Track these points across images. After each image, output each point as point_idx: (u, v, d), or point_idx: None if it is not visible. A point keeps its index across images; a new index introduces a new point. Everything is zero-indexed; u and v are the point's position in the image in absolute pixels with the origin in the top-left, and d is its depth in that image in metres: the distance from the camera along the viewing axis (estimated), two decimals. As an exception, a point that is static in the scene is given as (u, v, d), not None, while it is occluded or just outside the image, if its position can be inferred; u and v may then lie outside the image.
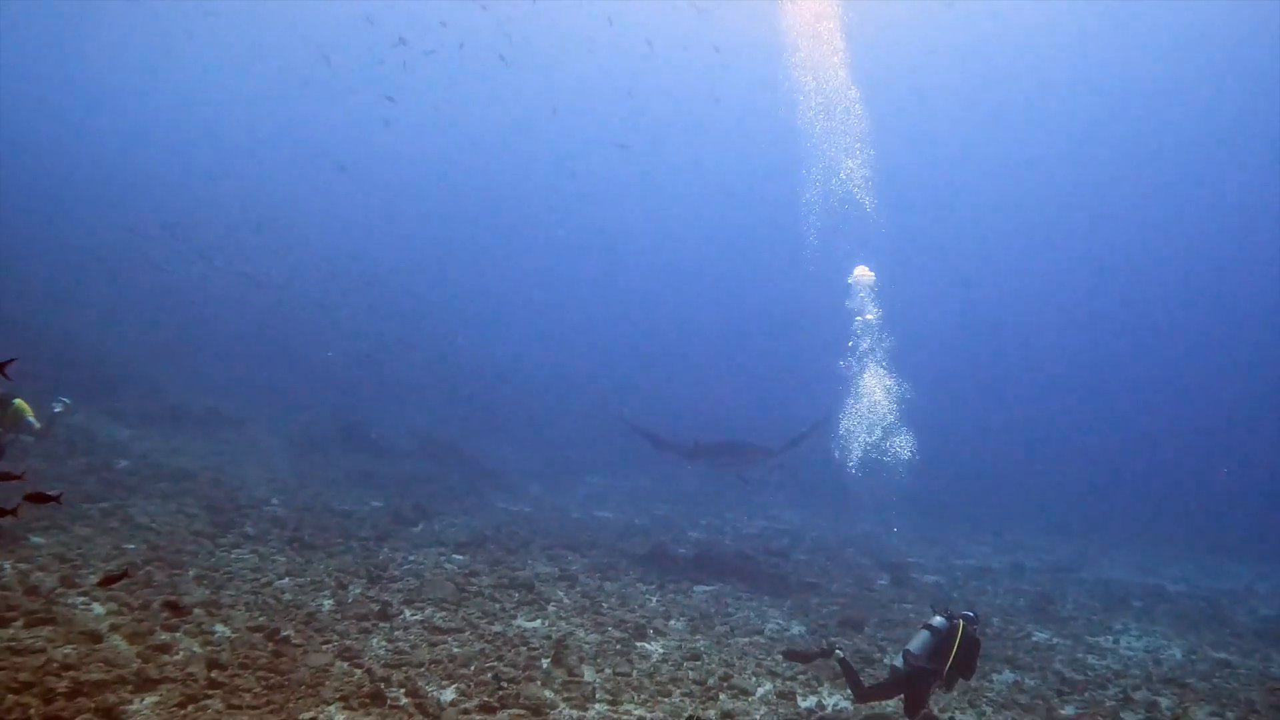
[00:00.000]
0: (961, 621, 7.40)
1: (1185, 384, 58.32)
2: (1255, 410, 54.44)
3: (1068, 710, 8.57)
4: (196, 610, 7.58)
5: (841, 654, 7.88)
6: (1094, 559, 22.13)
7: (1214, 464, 42.35)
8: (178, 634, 6.99)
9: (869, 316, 14.89)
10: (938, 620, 7.51)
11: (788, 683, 8.31)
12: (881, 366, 14.36)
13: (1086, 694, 9.24)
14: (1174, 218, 59.52)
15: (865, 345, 14.62)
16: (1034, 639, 11.82)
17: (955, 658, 7.23)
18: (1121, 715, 8.63)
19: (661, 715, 6.88)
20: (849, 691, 8.18)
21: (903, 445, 14.25)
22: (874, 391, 14.15)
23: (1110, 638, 12.70)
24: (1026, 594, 15.55)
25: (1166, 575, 20.75)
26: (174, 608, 7.40)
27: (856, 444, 14.11)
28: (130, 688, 5.73)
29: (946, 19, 46.79)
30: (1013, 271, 66.04)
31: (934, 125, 58.36)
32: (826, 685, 8.42)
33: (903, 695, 7.40)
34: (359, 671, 6.78)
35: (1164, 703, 9.31)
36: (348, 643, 7.45)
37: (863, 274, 15.61)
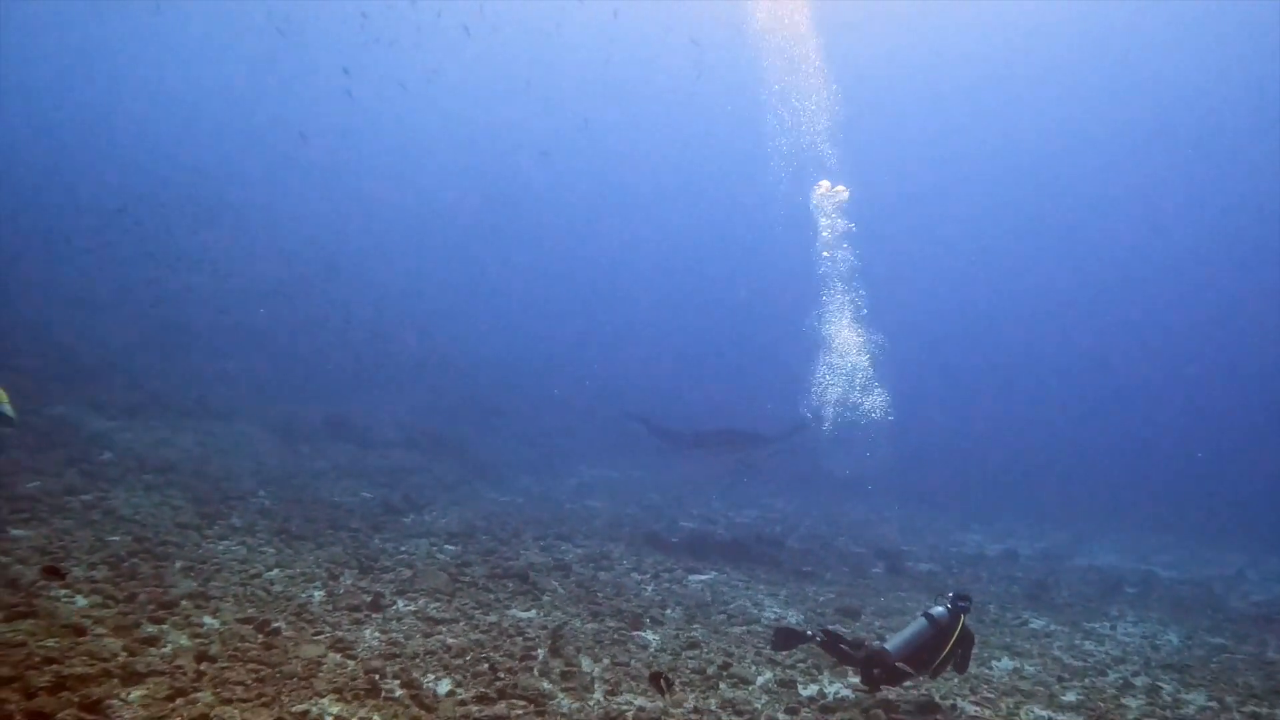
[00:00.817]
0: (962, 614, 7.33)
1: (1176, 372, 58.80)
2: (1245, 398, 55.05)
3: (1070, 696, 8.51)
4: (184, 602, 7.39)
5: (822, 637, 7.82)
6: (1085, 546, 22.24)
7: (1205, 450, 42.74)
8: (165, 626, 6.79)
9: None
10: (938, 610, 7.43)
11: (788, 671, 8.21)
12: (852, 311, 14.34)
13: (1087, 680, 9.20)
14: (1156, 203, 59.95)
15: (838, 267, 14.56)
16: (1031, 626, 11.80)
17: (950, 651, 7.17)
18: (1123, 701, 8.58)
19: (662, 705, 6.75)
20: (851, 679, 8.11)
21: (876, 405, 14.26)
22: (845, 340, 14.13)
23: (1107, 624, 12.71)
24: (1021, 581, 15.57)
25: (1158, 562, 20.87)
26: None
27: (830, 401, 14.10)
28: (116, 681, 5.54)
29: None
30: (997, 259, 66.26)
31: (941, 117, 58.61)
32: (827, 673, 8.32)
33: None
34: (352, 663, 6.61)
35: (1165, 688, 9.28)
36: (340, 634, 7.28)
37: (828, 190, 15.51)
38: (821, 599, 11.88)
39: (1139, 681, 9.44)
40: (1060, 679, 9.09)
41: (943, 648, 7.19)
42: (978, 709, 7.76)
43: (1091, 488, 34.03)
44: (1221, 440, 48.25)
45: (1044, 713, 7.87)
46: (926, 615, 7.45)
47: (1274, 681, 10.00)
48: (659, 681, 6.56)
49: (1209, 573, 19.99)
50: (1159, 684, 9.43)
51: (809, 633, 8.05)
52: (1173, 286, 62.25)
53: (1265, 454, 45.21)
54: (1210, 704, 8.85)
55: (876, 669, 7.28)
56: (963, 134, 60.68)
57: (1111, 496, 32.21)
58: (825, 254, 15.47)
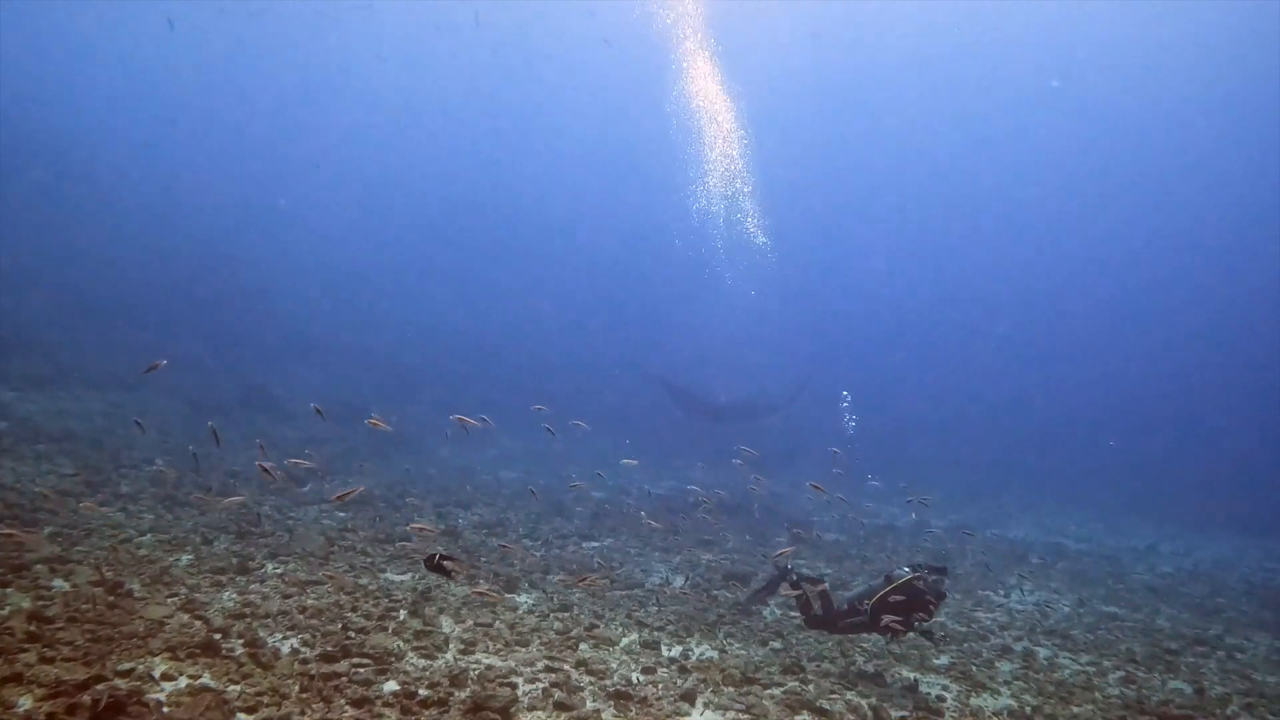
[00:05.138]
0: (909, 573, 7.57)
1: (1101, 358, 60.97)
2: (1169, 383, 57.32)
3: (943, 660, 8.86)
4: (38, 566, 7.34)
5: (796, 577, 8.13)
6: (1002, 519, 22.99)
7: (1128, 427, 44.49)
8: (8, 590, 6.75)
9: None
10: (900, 571, 7.68)
11: (655, 633, 8.42)
12: None
13: (965, 645, 9.55)
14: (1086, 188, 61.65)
15: None
16: (920, 592, 12.20)
17: (881, 601, 7.42)
18: (997, 665, 8.95)
19: (513, 664, 6.91)
20: (719, 642, 8.40)
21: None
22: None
23: (1002, 592, 13.21)
24: (926, 550, 16.08)
25: (1071, 535, 21.71)
26: None
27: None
28: (-65, 641, 5.52)
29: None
30: (929, 251, 67.90)
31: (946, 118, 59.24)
32: (697, 635, 8.56)
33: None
34: (199, 623, 6.65)
35: (1042, 653, 9.72)
36: (196, 595, 7.30)
37: None
38: (714, 565, 12.17)
39: (1019, 647, 9.88)
40: (938, 643, 9.43)
41: (884, 600, 7.44)
42: (842, 669, 8.05)
43: (1017, 465, 35.22)
44: (1147, 421, 50.30)
45: (911, 674, 8.20)
46: (887, 576, 7.73)
47: (1156, 648, 10.54)
48: (436, 565, 6.62)
49: (1120, 545, 20.88)
50: (1038, 649, 9.89)
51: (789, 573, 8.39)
52: (1097, 285, 64.41)
53: (1189, 436, 47.30)
54: (1086, 668, 9.30)
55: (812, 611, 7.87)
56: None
57: (1036, 473, 33.39)
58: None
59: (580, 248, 65.01)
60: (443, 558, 6.33)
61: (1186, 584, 16.30)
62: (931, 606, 7.45)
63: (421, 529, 7.78)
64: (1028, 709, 7.48)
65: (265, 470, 6.94)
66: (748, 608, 9.34)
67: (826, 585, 8.35)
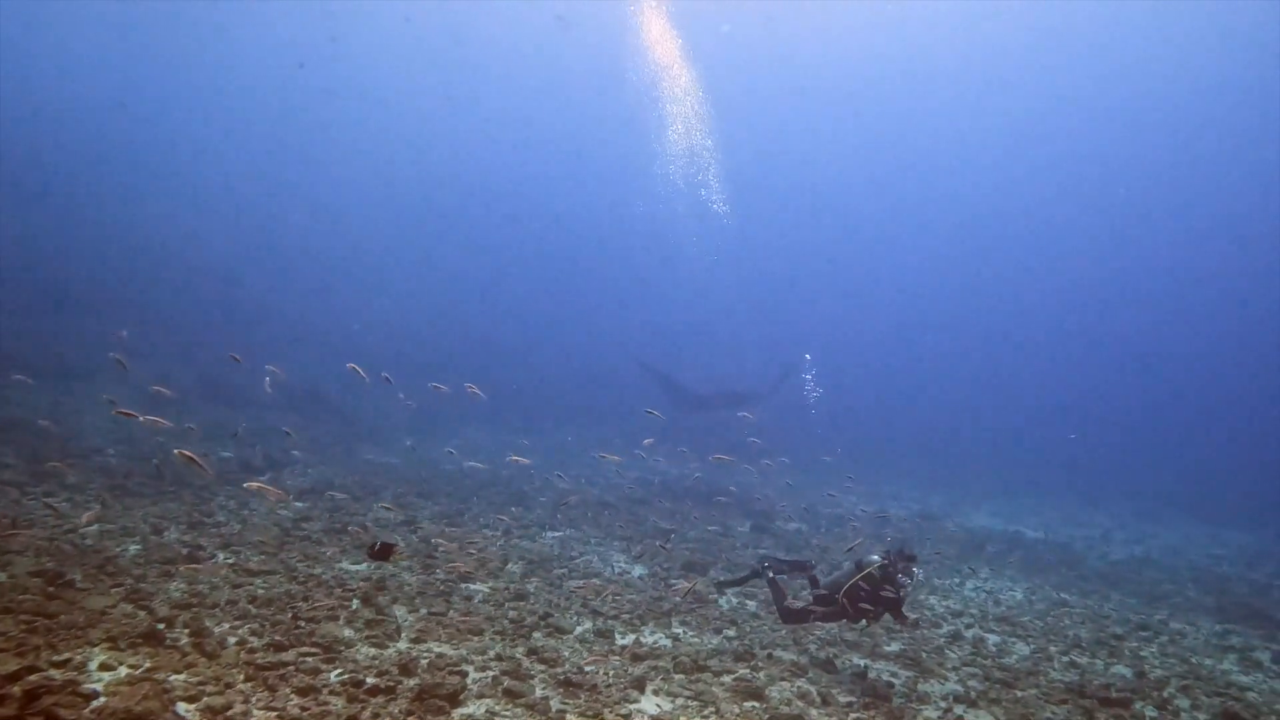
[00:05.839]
0: (889, 569, 7.45)
1: (1062, 349, 62.24)
2: (1126, 374, 58.64)
3: (893, 647, 8.98)
4: (-25, 557, 7.17)
5: (771, 573, 8.15)
6: (963, 509, 23.32)
7: (1087, 419, 45.49)
8: (-57, 581, 6.60)
9: None
10: (870, 558, 7.64)
11: (609, 621, 8.44)
12: None
13: (917, 632, 9.68)
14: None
15: None
16: (872, 580, 12.35)
17: (850, 589, 7.37)
18: (947, 651, 9.10)
19: (464, 652, 6.90)
20: (673, 630, 8.44)
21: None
22: None
23: (957, 580, 13.43)
24: (884, 540, 16.26)
25: (1029, 524, 22.08)
26: None
27: None
28: None
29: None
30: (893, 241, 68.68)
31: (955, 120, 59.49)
32: (650, 624, 8.59)
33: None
34: (143, 613, 6.55)
35: (991, 639, 9.90)
36: (142, 585, 7.18)
37: None
38: (675, 554, 12.21)
39: (970, 634, 10.05)
40: (889, 630, 9.56)
41: (852, 592, 7.38)
42: (794, 657, 8.14)
43: (981, 456, 35.80)
44: (1105, 413, 51.40)
45: (861, 661, 8.30)
46: (857, 563, 7.65)
47: (1102, 633, 10.79)
48: (379, 552, 6.61)
49: (1075, 534, 21.31)
50: (988, 635, 10.07)
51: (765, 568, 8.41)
52: (1057, 279, 65.68)
53: (1144, 427, 48.46)
54: (1034, 653, 9.49)
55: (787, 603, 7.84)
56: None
57: (999, 464, 33.97)
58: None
59: (550, 233, 64.90)
60: (384, 545, 6.29)
61: (1136, 571, 16.71)
62: (902, 593, 7.46)
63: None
64: (973, 694, 7.63)
65: (192, 460, 6.81)
66: (722, 590, 9.25)
67: (816, 570, 8.38)
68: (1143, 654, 10.04)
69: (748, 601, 10.08)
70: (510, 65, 57.43)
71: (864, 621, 7.47)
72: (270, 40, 54.31)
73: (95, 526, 8.78)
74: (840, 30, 51.94)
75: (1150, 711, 7.82)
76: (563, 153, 65.96)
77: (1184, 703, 8.23)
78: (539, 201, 66.85)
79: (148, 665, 5.61)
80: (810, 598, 7.86)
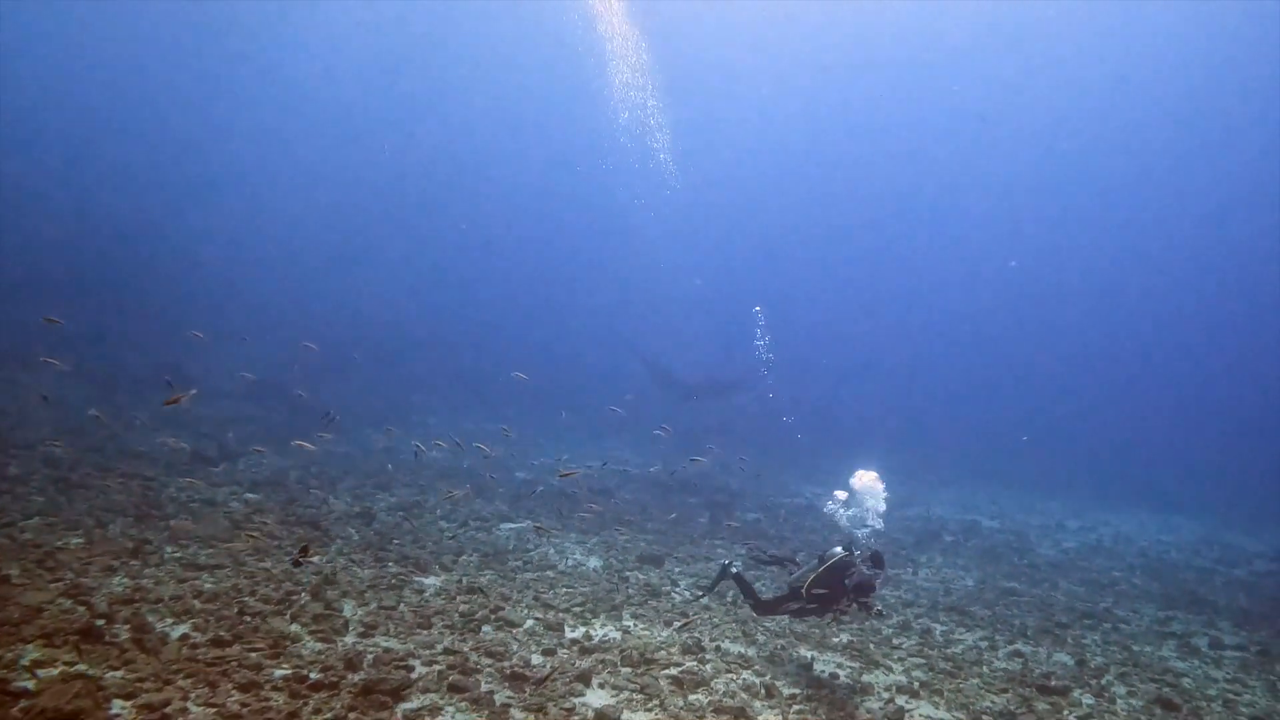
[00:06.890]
0: (850, 561, 7.53)
1: (1017, 347, 63.50)
2: (1086, 364, 59.93)
3: (842, 639, 9.11)
4: (-93, 552, 7.02)
5: (736, 570, 8.20)
6: (923, 498, 23.60)
7: (1048, 409, 46.43)
8: None
9: None
10: (833, 550, 7.70)
11: (560, 615, 8.46)
12: None
13: (866, 624, 9.80)
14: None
15: None
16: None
17: (816, 579, 7.45)
18: (895, 642, 9.25)
19: (412, 647, 6.89)
20: (627, 624, 8.48)
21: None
22: None
23: (911, 569, 13.64)
24: (840, 530, 16.44)
25: (986, 512, 22.43)
26: None
27: None
28: None
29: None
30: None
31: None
32: (602, 617, 8.63)
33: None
34: (82, 609, 6.45)
35: (939, 629, 10.08)
36: (83, 580, 7.08)
37: None
38: (629, 547, 12.25)
39: (918, 624, 10.23)
40: (839, 620, 9.65)
41: (818, 582, 7.46)
42: (742, 649, 8.23)
43: (939, 444, 36.27)
44: (1062, 402, 52.47)
45: (808, 653, 8.41)
46: (820, 556, 7.73)
47: (1048, 622, 11.04)
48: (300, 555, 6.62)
49: (1030, 522, 21.72)
50: (936, 625, 10.25)
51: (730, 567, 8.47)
52: (1023, 269, 66.67)
53: (1100, 416, 49.55)
54: (980, 643, 9.69)
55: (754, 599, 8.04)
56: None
57: (957, 452, 34.46)
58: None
59: (522, 224, 64.43)
60: (303, 551, 6.32)
61: (1086, 559, 17.10)
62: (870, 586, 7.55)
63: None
64: (915, 684, 7.78)
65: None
66: (709, 590, 9.31)
67: (798, 559, 8.47)
68: (1085, 642, 10.30)
69: (701, 597, 10.17)
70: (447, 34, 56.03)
71: (836, 612, 7.59)
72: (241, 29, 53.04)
73: (35, 519, 8.62)
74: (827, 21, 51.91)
75: (1088, 699, 8.05)
76: (513, 129, 65.03)
77: (1120, 690, 8.47)
78: (488, 181, 66.03)
79: (82, 663, 5.54)
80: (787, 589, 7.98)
